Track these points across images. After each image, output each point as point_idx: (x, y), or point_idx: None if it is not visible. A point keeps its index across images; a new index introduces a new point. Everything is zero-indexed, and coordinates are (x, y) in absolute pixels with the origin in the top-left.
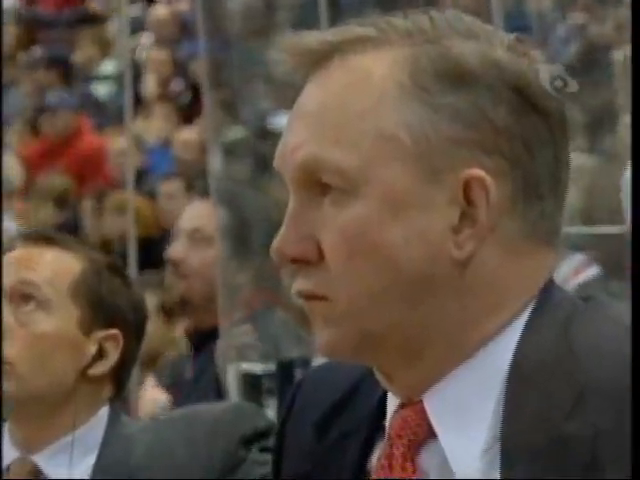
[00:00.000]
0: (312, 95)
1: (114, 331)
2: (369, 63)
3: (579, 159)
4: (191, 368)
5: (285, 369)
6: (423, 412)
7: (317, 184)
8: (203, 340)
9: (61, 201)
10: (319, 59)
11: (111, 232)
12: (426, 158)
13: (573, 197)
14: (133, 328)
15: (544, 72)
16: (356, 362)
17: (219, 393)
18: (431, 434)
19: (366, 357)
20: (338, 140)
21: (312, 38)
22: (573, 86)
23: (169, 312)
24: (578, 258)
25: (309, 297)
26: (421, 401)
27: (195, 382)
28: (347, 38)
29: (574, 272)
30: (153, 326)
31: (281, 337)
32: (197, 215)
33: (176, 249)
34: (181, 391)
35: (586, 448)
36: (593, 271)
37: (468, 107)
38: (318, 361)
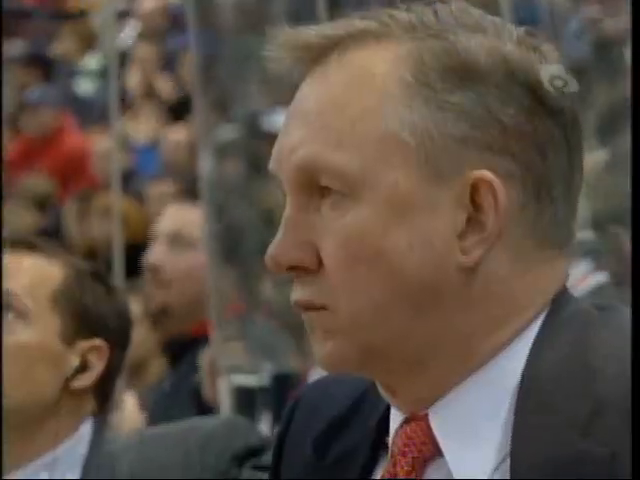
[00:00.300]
0: (310, 93)
1: (98, 342)
2: (370, 59)
3: (590, 160)
4: (168, 380)
5: (280, 382)
6: (428, 428)
7: (316, 187)
8: (182, 351)
9: (43, 204)
10: (317, 55)
11: (96, 237)
12: (431, 159)
13: (583, 200)
14: (118, 338)
15: (544, 71)
16: (357, 375)
17: (200, 406)
18: (437, 451)
19: (368, 370)
20: (338, 141)
21: (310, 32)
22: (574, 86)
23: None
24: (584, 264)
25: (307, 307)
26: (426, 416)
27: (173, 394)
28: (347, 32)
29: (579, 279)
30: (140, 335)
31: (272, 347)
32: (177, 218)
33: (155, 254)
34: (159, 404)
35: (602, 467)
36: (600, 278)
37: (475, 105)
38: (316, 374)
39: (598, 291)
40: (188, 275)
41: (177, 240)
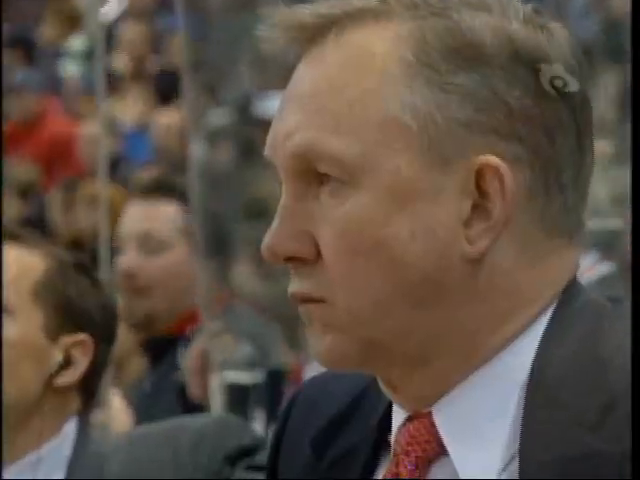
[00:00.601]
0: (306, 75)
1: (82, 336)
2: (369, 39)
3: (602, 145)
4: (148, 380)
5: (275, 379)
6: (432, 426)
7: (313, 174)
8: (162, 350)
9: (26, 192)
10: (313, 35)
11: (82, 227)
12: (434, 144)
13: (596, 188)
14: (103, 332)
15: (544, 71)
16: (357, 371)
17: (186, 405)
18: (441, 450)
19: (369, 366)
20: (336, 125)
21: (305, 12)
22: (574, 85)
23: None
24: (590, 255)
25: (305, 300)
26: (430, 414)
27: (154, 394)
28: (344, 11)
29: (586, 270)
30: (119, 333)
31: (261, 341)
32: (144, 218)
33: (126, 261)
34: (140, 404)
35: (613, 465)
36: (606, 268)
37: (480, 87)
38: (312, 370)
39: (603, 282)
40: (166, 279)
41: (147, 242)
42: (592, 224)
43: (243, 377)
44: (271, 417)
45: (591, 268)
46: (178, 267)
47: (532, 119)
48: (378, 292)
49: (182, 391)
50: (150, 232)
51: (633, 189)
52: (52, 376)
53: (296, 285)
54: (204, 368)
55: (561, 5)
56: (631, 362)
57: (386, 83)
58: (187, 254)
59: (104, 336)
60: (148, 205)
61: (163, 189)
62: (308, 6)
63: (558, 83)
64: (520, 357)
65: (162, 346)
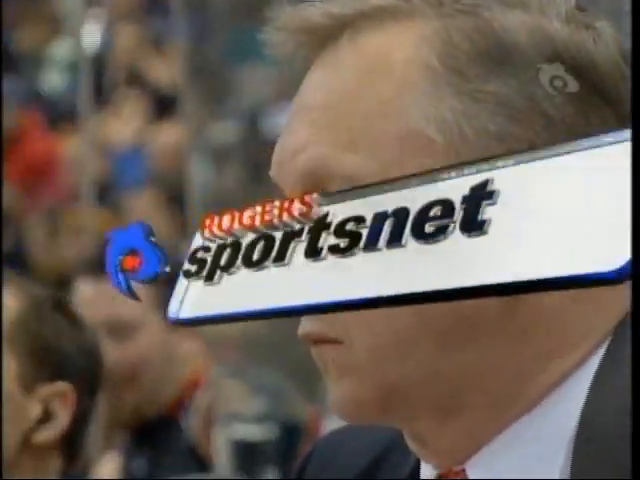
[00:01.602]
0: (317, 85)
1: (62, 385)
2: (388, 42)
3: None
4: (133, 467)
5: (290, 434)
6: None
7: None
8: (150, 433)
9: (3, 219)
10: (325, 38)
11: (66, 259)
12: (461, 159)
13: None
14: (86, 380)
15: (544, 72)
16: (379, 423)
17: (195, 465)
18: None
19: (391, 416)
20: (351, 140)
21: (315, 11)
22: (574, 86)
23: None
24: None
25: (318, 341)
26: (463, 471)
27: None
28: (360, 10)
29: None
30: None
31: (275, 392)
32: (105, 299)
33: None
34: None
35: None
36: None
37: (514, 95)
38: (333, 424)
39: None
40: (147, 361)
41: (116, 328)
42: None
43: (254, 432)
44: (285, 476)
45: None
46: (156, 343)
47: (575, 130)
48: (401, 330)
49: (191, 451)
50: (117, 315)
51: (633, 192)
52: (29, 432)
53: (308, 324)
54: (209, 423)
55: (615, 2)
56: (632, 362)
57: (407, 93)
58: (161, 326)
59: (87, 385)
60: (103, 283)
61: None
62: (318, 4)
63: (557, 83)
64: (567, 404)
65: (152, 428)
